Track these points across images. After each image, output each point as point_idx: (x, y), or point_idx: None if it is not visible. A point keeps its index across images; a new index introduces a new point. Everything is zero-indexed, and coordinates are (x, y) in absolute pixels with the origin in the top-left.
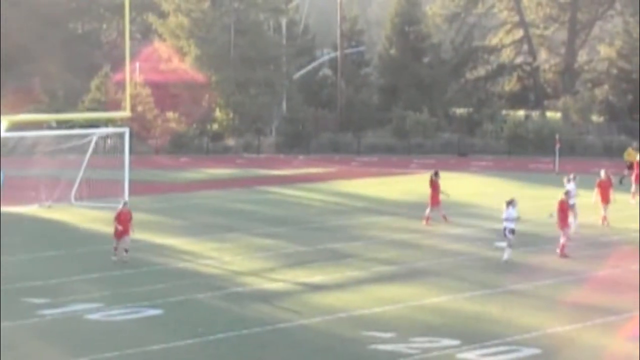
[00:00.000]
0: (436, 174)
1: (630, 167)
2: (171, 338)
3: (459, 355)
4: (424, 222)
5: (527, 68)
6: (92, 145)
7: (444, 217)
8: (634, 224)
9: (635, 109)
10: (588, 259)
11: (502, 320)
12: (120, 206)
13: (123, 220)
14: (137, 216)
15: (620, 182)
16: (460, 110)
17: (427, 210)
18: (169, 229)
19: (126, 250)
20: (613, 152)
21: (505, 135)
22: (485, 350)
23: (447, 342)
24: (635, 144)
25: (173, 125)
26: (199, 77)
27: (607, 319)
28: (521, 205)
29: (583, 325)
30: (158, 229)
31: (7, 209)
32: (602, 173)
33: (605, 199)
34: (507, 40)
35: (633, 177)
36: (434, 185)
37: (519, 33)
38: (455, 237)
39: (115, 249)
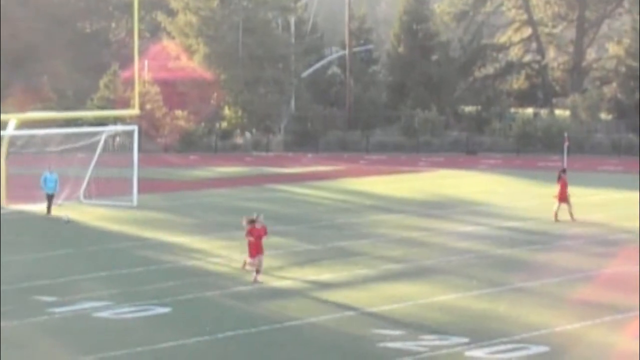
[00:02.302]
0: (564, 171)
1: None
2: (180, 336)
3: (468, 353)
4: (553, 218)
5: (536, 66)
6: (101, 143)
7: (571, 215)
8: None
9: None
10: (596, 257)
11: (510, 318)
12: (245, 221)
13: (257, 236)
14: (146, 214)
15: None
16: (468, 108)
17: (556, 206)
18: (178, 227)
19: (258, 272)
20: (621, 150)
21: (513, 133)
22: (493, 348)
23: (455, 339)
24: None
25: (182, 123)
26: (208, 75)
27: (615, 316)
28: (529, 203)
29: (591, 322)
30: (167, 227)
31: (16, 207)
32: None
33: None
34: (516, 38)
35: None
36: (562, 182)
37: (527, 31)
38: (463, 235)
39: (245, 265)
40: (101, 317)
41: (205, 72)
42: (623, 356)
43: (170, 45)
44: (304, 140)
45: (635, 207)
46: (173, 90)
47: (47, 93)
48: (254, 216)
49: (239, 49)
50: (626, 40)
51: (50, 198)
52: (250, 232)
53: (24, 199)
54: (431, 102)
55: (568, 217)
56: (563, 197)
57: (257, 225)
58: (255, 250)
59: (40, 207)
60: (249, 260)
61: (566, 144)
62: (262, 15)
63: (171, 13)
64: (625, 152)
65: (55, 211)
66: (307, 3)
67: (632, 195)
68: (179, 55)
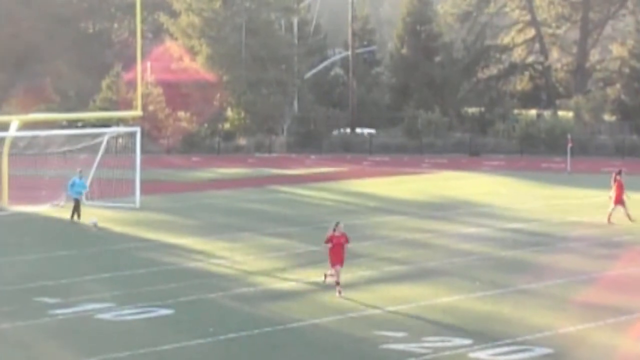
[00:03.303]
0: (619, 172)
1: None
2: (182, 338)
3: (471, 355)
4: (608, 220)
5: (539, 67)
6: (104, 144)
7: (629, 216)
8: None
9: None
10: (600, 259)
11: (514, 320)
12: (332, 229)
13: (336, 244)
14: (148, 216)
15: None
16: (472, 110)
17: (610, 208)
18: (181, 228)
19: (338, 283)
20: (625, 152)
21: (517, 134)
22: (497, 350)
23: (459, 341)
24: None
25: (184, 124)
26: (211, 76)
27: (619, 318)
28: (533, 204)
29: (595, 324)
30: (169, 229)
31: (19, 208)
32: None
33: None
34: (519, 39)
35: None
36: (618, 183)
37: (530, 32)
38: (466, 237)
39: (327, 276)
40: (103, 318)
41: (208, 73)
42: (626, 358)
43: (172, 47)
44: (307, 142)
45: (639, 209)
46: (176, 92)
47: (49, 94)
48: (335, 224)
49: (241, 50)
50: (630, 42)
51: (76, 202)
52: (330, 240)
53: (25, 200)
54: (434, 104)
55: (626, 220)
56: (619, 199)
57: (337, 233)
58: (336, 259)
59: (41, 208)
60: (329, 271)
61: (569, 145)
62: (265, 17)
63: (174, 14)
64: (628, 154)
65: (57, 212)
66: (310, 4)
67: (636, 196)
68: (182, 56)
